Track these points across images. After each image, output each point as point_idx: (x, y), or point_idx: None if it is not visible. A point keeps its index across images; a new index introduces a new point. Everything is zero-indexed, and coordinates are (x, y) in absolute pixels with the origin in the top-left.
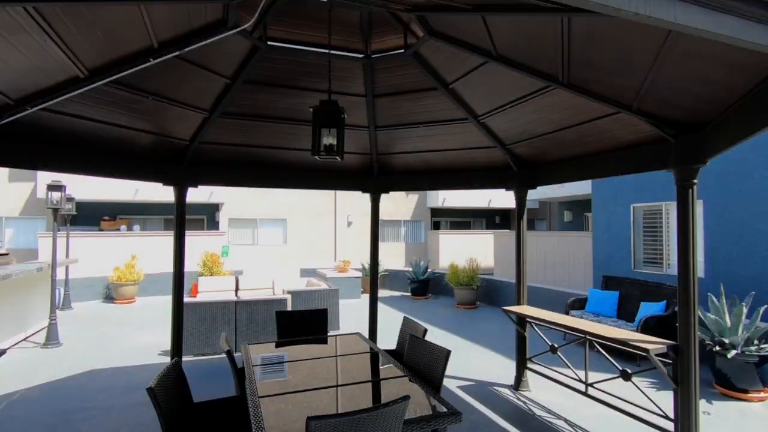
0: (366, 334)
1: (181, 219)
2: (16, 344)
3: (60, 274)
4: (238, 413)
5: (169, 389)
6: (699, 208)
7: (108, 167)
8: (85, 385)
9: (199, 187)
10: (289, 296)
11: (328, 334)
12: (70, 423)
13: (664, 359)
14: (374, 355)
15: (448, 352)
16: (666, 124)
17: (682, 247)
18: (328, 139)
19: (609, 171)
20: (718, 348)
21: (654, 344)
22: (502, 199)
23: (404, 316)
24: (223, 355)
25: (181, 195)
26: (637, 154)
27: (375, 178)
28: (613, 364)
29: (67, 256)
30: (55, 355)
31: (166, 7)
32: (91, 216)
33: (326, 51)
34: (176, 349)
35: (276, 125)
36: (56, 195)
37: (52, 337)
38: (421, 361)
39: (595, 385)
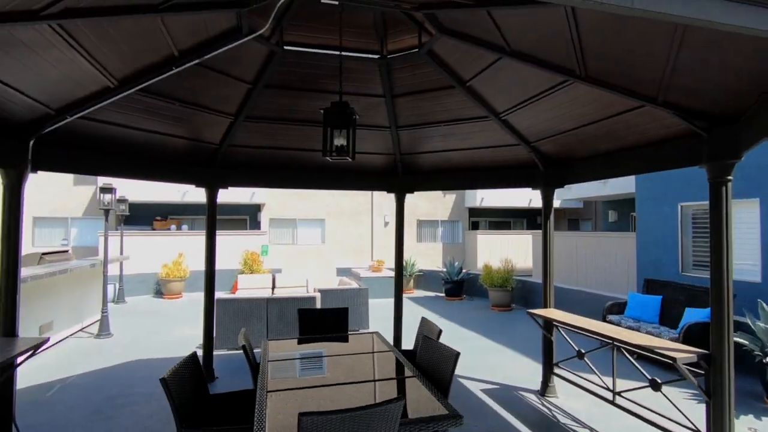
0: (392, 333)
1: (212, 220)
2: (73, 334)
3: (116, 270)
4: (251, 406)
5: (184, 381)
6: (755, 206)
7: (143, 170)
8: (128, 374)
9: (241, 188)
10: (318, 294)
11: (350, 332)
12: (112, 408)
13: (698, 370)
14: (387, 355)
15: (457, 354)
16: (695, 116)
17: (715, 248)
18: (339, 140)
19: (638, 168)
20: None
21: (682, 353)
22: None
23: (422, 317)
24: (255, 351)
25: (212, 196)
26: (666, 149)
27: (399, 177)
28: (641, 372)
29: (121, 253)
30: (106, 345)
31: (181, 17)
32: (145, 216)
33: (339, 53)
34: (208, 343)
35: (299, 127)
36: (107, 197)
37: (104, 329)
38: (431, 362)
39: (624, 394)
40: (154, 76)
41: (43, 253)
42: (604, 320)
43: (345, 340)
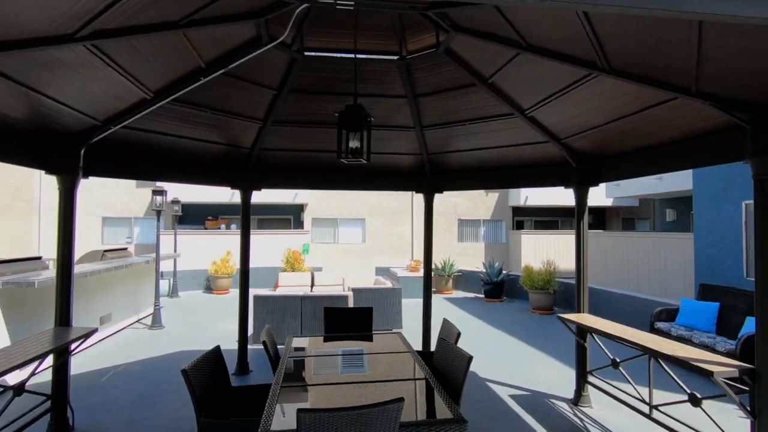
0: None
1: (246, 220)
2: (129, 325)
3: (170, 266)
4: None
5: (206, 372)
6: None
7: (181, 174)
8: (174, 364)
9: (284, 190)
10: (350, 293)
11: (378, 331)
12: (154, 395)
13: (743, 386)
14: (404, 356)
15: (470, 358)
16: (736, 107)
17: (760, 251)
18: (354, 142)
19: (677, 164)
20: None
21: (722, 366)
22: (594, 196)
23: (443, 318)
24: (281, 347)
25: (246, 198)
26: (706, 143)
27: (427, 177)
28: (680, 385)
29: (174, 251)
30: (157, 336)
31: (201, 31)
32: (197, 216)
33: (361, 56)
34: (242, 338)
35: (325, 130)
36: (159, 199)
37: (156, 321)
38: (446, 365)
39: (661, 407)
40: (185, 86)
41: (105, 251)
42: (652, 328)
43: (368, 339)
